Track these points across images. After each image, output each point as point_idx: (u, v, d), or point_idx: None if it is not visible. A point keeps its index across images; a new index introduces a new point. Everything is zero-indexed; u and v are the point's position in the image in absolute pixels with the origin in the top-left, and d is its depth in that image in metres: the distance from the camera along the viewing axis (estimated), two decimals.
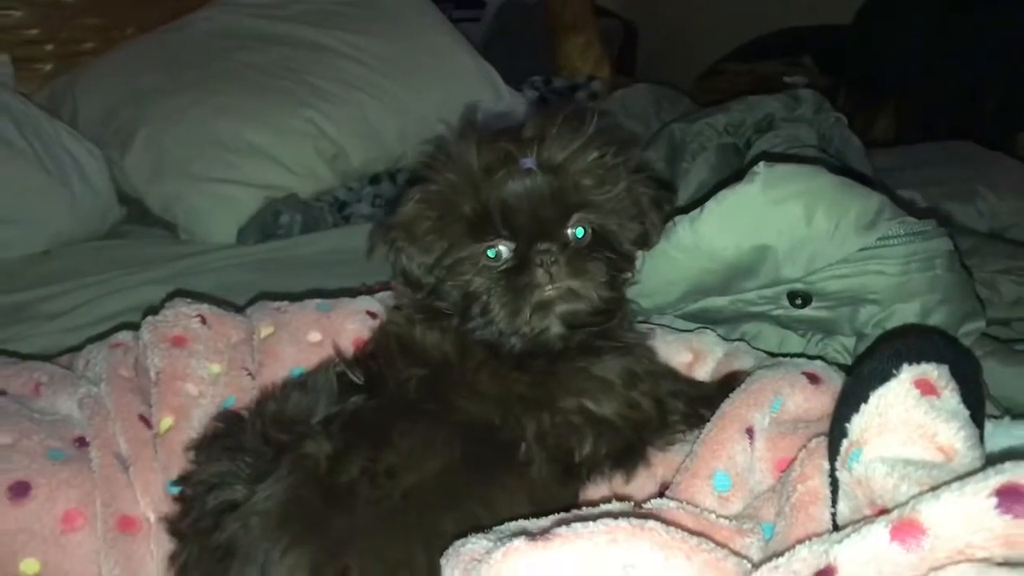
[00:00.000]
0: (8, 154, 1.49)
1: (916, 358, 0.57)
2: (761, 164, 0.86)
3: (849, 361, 0.89)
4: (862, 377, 0.58)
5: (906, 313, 0.85)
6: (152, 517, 0.78)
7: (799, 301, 0.89)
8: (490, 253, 0.79)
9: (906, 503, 0.46)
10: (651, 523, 0.53)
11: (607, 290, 0.79)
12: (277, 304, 0.96)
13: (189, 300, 0.94)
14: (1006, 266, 1.15)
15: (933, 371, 0.56)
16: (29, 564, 0.70)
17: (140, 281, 1.39)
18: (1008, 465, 0.45)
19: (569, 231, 0.80)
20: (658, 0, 3.46)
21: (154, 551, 0.76)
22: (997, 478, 0.44)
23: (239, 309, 0.99)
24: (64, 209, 1.57)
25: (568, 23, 2.35)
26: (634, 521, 0.53)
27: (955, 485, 0.45)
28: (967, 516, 0.44)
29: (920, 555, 0.44)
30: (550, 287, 0.77)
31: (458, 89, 1.88)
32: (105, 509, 0.75)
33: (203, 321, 0.91)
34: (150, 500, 0.78)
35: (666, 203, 0.89)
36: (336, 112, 1.74)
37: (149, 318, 0.92)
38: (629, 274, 0.86)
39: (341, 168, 1.74)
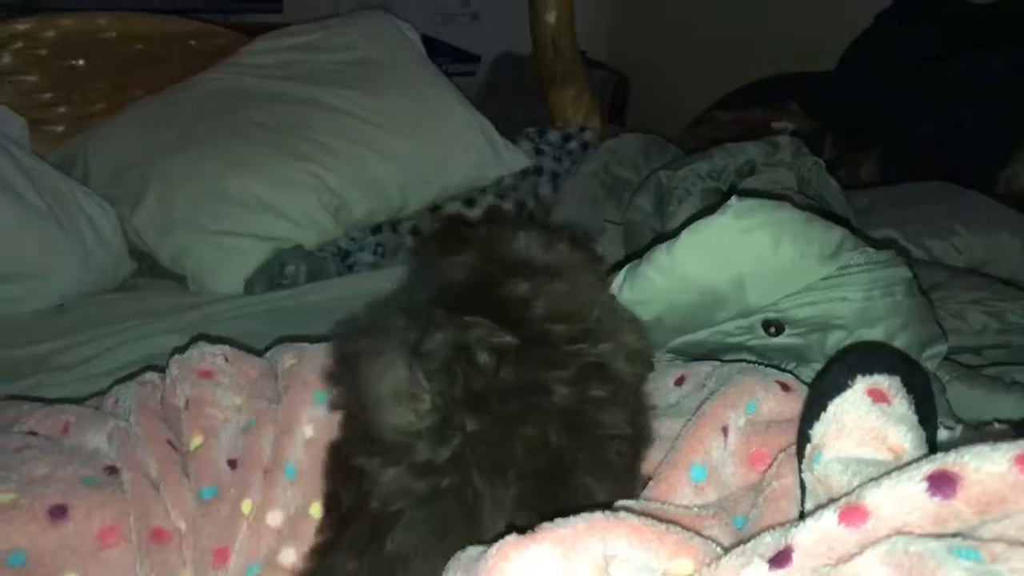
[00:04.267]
0: (25, 212, 1.55)
1: (869, 370, 0.64)
2: (733, 197, 0.93)
3: None
4: (821, 389, 0.65)
5: (871, 338, 0.92)
6: (183, 527, 0.83)
7: (773, 329, 0.96)
8: None
9: (853, 491, 0.53)
10: (623, 513, 0.59)
11: None
12: (298, 344, 1.03)
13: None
14: (974, 297, 1.21)
15: (884, 381, 0.63)
16: None
17: (153, 331, 1.44)
18: (938, 455, 0.52)
19: None
20: (648, 52, 3.57)
21: (186, 558, 0.82)
22: (928, 466, 0.51)
23: (259, 354, 1.05)
24: (77, 264, 1.63)
25: (559, 76, 2.43)
26: (608, 513, 0.59)
27: (894, 474, 0.52)
28: (902, 499, 0.50)
29: (864, 533, 0.50)
30: None
31: (455, 141, 1.96)
32: (138, 523, 0.80)
33: (226, 360, 0.98)
34: (180, 511, 0.84)
35: None
36: (339, 166, 1.81)
37: (176, 356, 0.99)
38: None
39: (344, 219, 1.81)
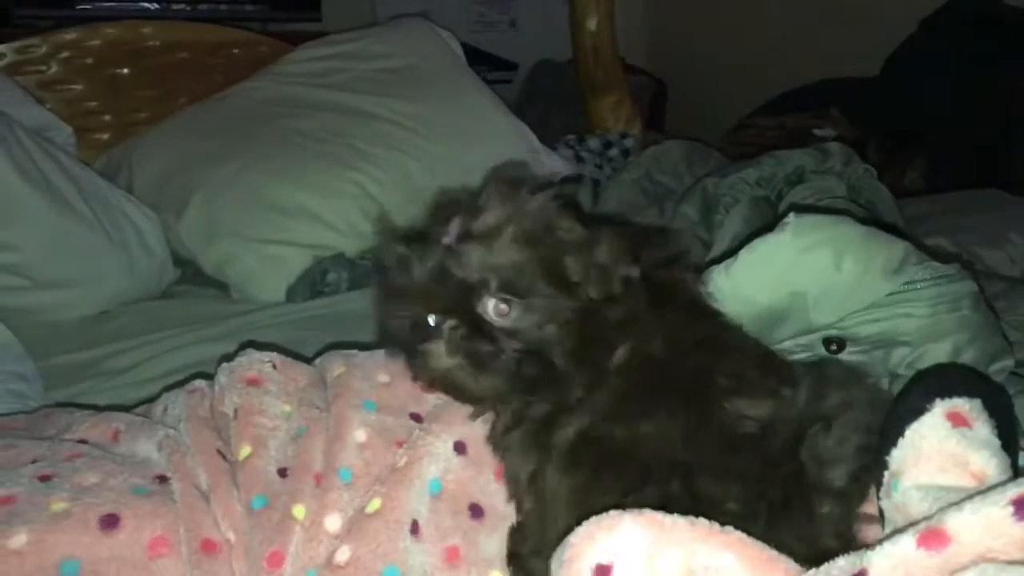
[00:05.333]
0: (71, 219, 1.57)
1: (948, 393, 0.62)
2: (791, 214, 0.91)
3: None
4: (899, 415, 0.63)
5: (937, 353, 0.89)
6: (232, 538, 0.82)
7: (834, 347, 0.93)
8: (430, 319, 0.82)
9: (933, 516, 0.51)
10: (730, 528, 0.57)
11: (508, 376, 0.80)
12: (347, 352, 1.02)
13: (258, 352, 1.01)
14: None
15: (964, 404, 0.61)
16: None
17: (197, 339, 1.45)
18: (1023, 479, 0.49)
19: (488, 307, 0.80)
20: (687, 58, 3.54)
21: (235, 570, 0.81)
22: (1015, 490, 0.49)
23: (308, 360, 1.05)
24: (123, 271, 1.64)
25: (599, 82, 2.42)
26: (715, 524, 0.58)
27: (977, 498, 0.50)
28: (987, 524, 0.48)
29: (944, 558, 0.48)
30: (450, 359, 0.80)
31: (496, 149, 1.95)
32: (188, 534, 0.80)
33: (274, 367, 0.98)
34: (230, 523, 0.83)
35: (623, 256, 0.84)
36: (380, 174, 1.82)
37: (225, 364, 0.98)
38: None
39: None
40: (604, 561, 0.56)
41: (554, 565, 0.61)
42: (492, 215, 0.82)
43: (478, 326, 0.79)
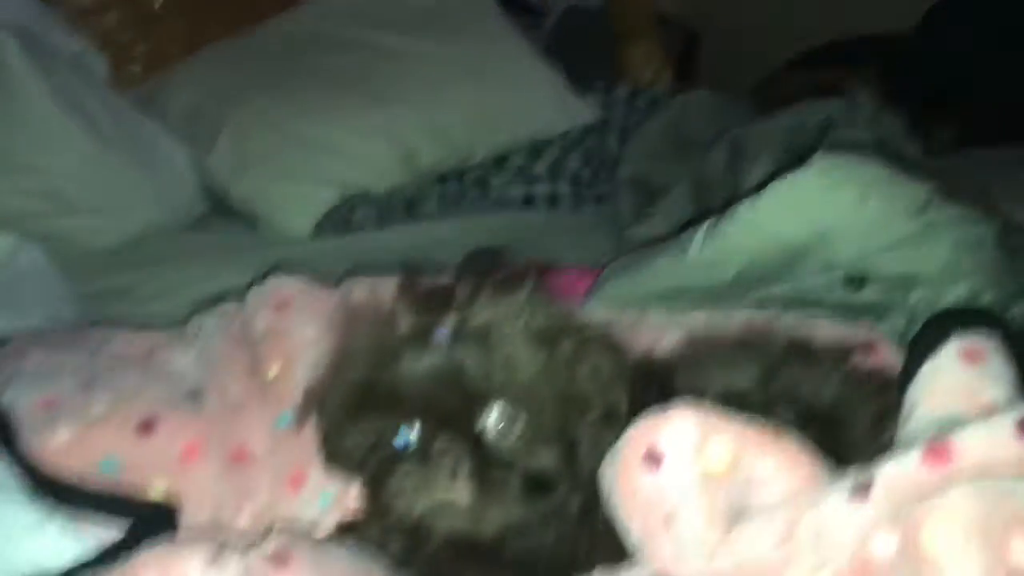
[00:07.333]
0: (104, 148, 1.59)
1: (964, 330, 0.64)
2: (818, 153, 0.92)
3: (899, 343, 0.93)
4: (917, 351, 0.65)
5: (956, 294, 0.91)
6: (261, 451, 0.86)
7: (855, 284, 0.94)
8: (401, 433, 0.67)
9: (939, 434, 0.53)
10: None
11: (519, 508, 0.65)
12: (371, 278, 1.04)
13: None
14: None
15: (980, 341, 0.63)
16: (157, 489, 0.80)
17: (227, 270, 1.46)
18: None
19: (489, 422, 0.66)
20: (719, 8, 3.48)
21: (263, 481, 0.84)
22: (1019, 412, 0.52)
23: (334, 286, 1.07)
24: (153, 200, 1.67)
25: (630, 30, 2.40)
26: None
27: (982, 419, 0.53)
28: (990, 442, 0.51)
29: (947, 472, 0.51)
30: (443, 492, 0.65)
31: (524, 93, 1.96)
32: (219, 444, 0.84)
33: (302, 291, 1.00)
34: (259, 437, 0.86)
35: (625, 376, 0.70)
36: (408, 113, 1.82)
37: (255, 287, 1.01)
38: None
39: (412, 167, 1.82)
40: (657, 448, 0.59)
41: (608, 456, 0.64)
42: (489, 311, 0.68)
43: (476, 445, 0.65)
